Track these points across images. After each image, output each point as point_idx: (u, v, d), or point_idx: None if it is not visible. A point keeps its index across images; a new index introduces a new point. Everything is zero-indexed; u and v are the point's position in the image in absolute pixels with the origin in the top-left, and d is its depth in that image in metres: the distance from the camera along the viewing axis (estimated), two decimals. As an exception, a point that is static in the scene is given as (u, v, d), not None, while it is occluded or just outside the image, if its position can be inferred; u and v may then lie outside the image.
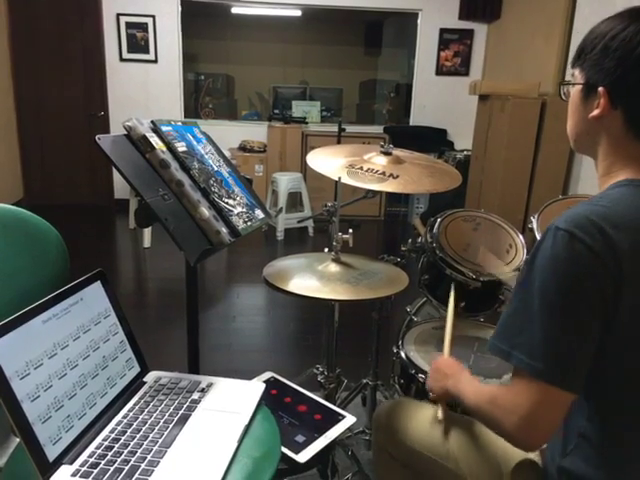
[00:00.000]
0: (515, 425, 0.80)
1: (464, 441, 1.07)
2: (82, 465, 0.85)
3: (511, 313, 0.83)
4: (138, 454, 0.88)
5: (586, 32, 0.87)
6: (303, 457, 1.06)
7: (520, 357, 0.79)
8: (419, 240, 1.76)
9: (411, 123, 5.84)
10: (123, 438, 0.92)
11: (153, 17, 5.28)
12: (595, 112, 0.84)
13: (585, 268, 0.75)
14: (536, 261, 0.80)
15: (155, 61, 5.42)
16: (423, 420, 1.15)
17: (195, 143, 1.34)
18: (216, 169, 1.34)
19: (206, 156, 1.35)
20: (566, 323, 0.77)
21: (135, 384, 1.08)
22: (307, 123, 5.66)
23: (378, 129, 5.78)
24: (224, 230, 1.19)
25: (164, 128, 1.24)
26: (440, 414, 1.11)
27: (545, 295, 0.78)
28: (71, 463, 0.85)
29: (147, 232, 4.38)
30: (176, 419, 0.98)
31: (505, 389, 0.84)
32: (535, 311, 0.78)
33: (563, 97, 0.95)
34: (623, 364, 0.80)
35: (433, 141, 5.45)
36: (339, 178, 1.43)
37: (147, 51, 5.38)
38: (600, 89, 0.82)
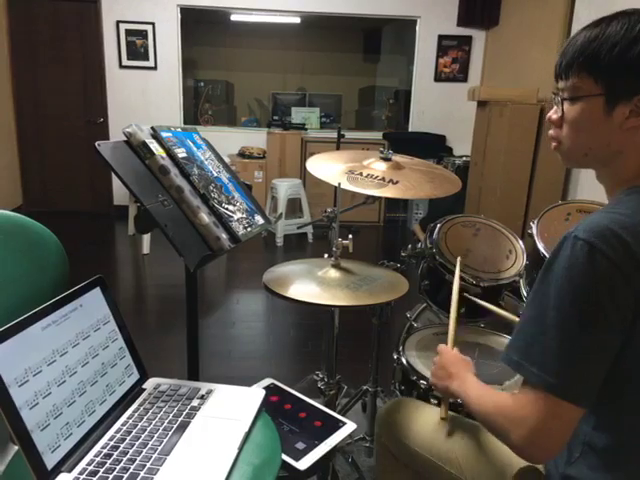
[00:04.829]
0: (523, 438, 0.78)
1: (468, 446, 1.06)
2: (81, 473, 0.85)
3: (525, 323, 0.81)
4: (137, 462, 0.87)
5: None
6: (303, 464, 1.05)
7: (531, 369, 0.77)
8: (419, 246, 1.76)
9: (410, 129, 5.85)
10: (122, 445, 0.91)
11: (152, 24, 5.31)
12: (637, 121, 0.79)
13: (604, 281, 0.73)
14: (552, 271, 0.77)
15: (155, 68, 5.44)
16: (426, 422, 1.14)
17: (195, 149, 1.34)
18: (216, 175, 1.34)
19: (206, 162, 1.35)
20: (582, 338, 0.74)
21: (134, 391, 1.07)
22: (306, 129, 5.67)
23: (377, 135, 5.79)
24: (224, 236, 1.19)
25: (164, 134, 1.24)
26: (443, 413, 1.10)
27: (561, 308, 0.75)
28: (70, 471, 0.85)
29: (146, 238, 4.38)
30: (175, 426, 0.97)
31: (514, 400, 0.82)
32: (549, 323, 0.76)
33: (557, 113, 0.88)
34: (635, 376, 0.78)
35: (432, 147, 5.46)
36: (339, 184, 1.43)
37: (147, 58, 5.40)
38: None
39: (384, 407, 1.26)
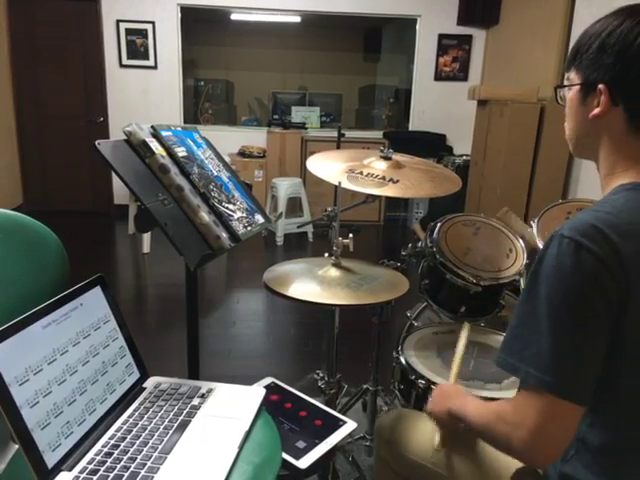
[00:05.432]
0: (524, 441, 0.77)
1: (465, 453, 1.06)
2: (81, 472, 0.85)
3: (517, 324, 0.81)
4: (138, 460, 0.88)
5: None
6: (304, 463, 1.05)
7: (528, 370, 0.77)
8: (419, 245, 1.76)
9: (410, 128, 5.85)
10: (123, 444, 0.91)
11: (153, 23, 5.30)
12: (596, 110, 0.83)
13: (591, 277, 0.74)
14: (541, 270, 0.78)
15: (155, 67, 5.44)
16: (427, 432, 1.13)
17: (195, 148, 1.34)
18: (216, 174, 1.34)
19: (206, 161, 1.35)
20: (574, 335, 0.75)
21: (135, 390, 1.07)
22: (306, 128, 5.67)
23: (377, 134, 5.79)
24: (224, 235, 1.19)
25: (164, 133, 1.24)
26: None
27: (551, 306, 0.75)
28: (70, 470, 0.85)
29: (146, 237, 4.38)
30: (176, 425, 0.97)
31: (512, 404, 0.81)
32: (542, 322, 0.76)
33: (559, 101, 0.94)
34: (629, 373, 0.78)
35: (432, 146, 5.46)
36: (339, 183, 1.43)
37: (147, 57, 5.39)
38: (600, 86, 0.81)
39: (383, 421, 1.24)
